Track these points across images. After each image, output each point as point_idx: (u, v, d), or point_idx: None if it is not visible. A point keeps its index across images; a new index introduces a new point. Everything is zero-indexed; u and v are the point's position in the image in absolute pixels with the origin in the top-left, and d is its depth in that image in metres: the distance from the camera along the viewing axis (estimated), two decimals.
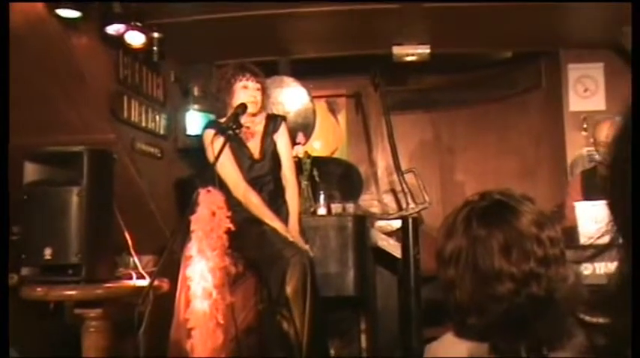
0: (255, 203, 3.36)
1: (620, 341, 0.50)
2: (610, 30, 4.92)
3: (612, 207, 0.54)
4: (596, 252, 0.55)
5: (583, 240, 3.05)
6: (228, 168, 3.35)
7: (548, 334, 1.18)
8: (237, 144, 3.41)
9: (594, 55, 5.36)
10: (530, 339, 1.16)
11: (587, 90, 5.43)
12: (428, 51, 5.08)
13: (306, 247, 3.36)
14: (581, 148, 5.33)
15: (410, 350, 4.22)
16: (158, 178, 4.76)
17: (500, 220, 1.23)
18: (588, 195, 3.61)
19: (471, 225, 1.24)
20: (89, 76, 3.92)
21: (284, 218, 3.43)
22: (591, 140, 3.67)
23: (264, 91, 3.50)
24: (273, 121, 3.54)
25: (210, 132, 3.35)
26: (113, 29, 4.07)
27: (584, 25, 4.97)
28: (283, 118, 3.63)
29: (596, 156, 3.75)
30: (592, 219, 3.05)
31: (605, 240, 0.55)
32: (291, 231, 3.37)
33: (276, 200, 3.47)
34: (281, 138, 3.51)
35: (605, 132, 3.66)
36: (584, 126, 5.33)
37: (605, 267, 2.71)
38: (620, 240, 0.53)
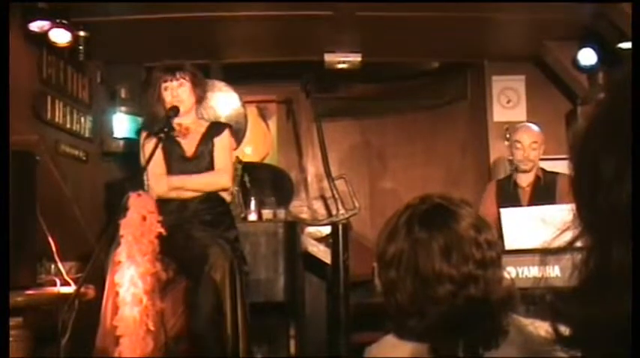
0: (179, 183, 3.29)
1: (587, 332, 0.52)
2: (532, 44, 5.14)
3: (580, 203, 0.56)
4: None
5: (508, 246, 3.13)
6: (152, 169, 3.26)
7: (484, 334, 1.21)
8: (169, 143, 3.34)
9: (516, 67, 5.57)
10: (468, 339, 1.19)
11: (509, 102, 5.63)
12: (359, 59, 5.14)
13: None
14: (504, 157, 5.52)
15: (338, 355, 4.24)
16: (83, 182, 4.61)
17: (440, 223, 1.26)
18: (502, 203, 3.71)
19: (413, 229, 1.26)
20: (10, 74, 3.74)
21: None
22: (514, 144, 3.83)
23: (194, 85, 3.35)
24: (216, 127, 3.51)
25: (143, 134, 3.33)
26: (37, 26, 3.92)
27: (508, 38, 5.16)
28: (228, 125, 3.60)
29: (518, 165, 3.86)
30: (518, 225, 3.16)
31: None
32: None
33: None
34: (220, 140, 3.43)
35: (527, 135, 3.85)
36: (507, 136, 5.53)
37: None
38: (587, 237, 0.54)
